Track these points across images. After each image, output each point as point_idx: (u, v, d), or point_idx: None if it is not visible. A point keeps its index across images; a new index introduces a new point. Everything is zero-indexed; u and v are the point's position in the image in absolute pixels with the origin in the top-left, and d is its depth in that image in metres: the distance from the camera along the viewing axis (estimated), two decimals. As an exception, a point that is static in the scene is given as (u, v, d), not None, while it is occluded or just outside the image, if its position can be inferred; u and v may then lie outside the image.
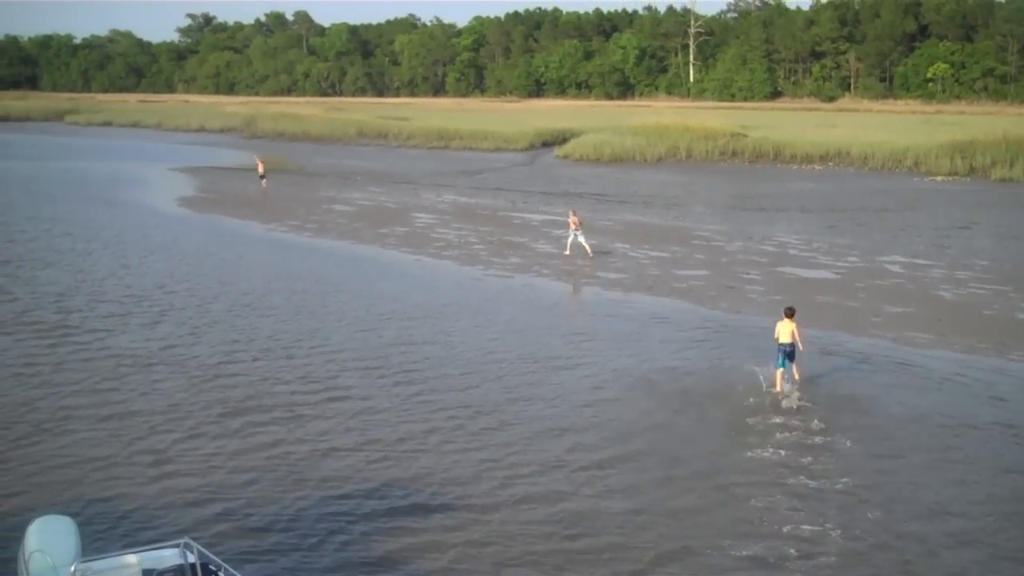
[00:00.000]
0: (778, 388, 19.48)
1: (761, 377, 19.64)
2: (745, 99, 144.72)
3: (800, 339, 19.59)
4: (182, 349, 22.21)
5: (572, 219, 35.35)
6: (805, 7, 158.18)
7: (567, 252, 35.03)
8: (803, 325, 20.39)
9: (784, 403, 18.73)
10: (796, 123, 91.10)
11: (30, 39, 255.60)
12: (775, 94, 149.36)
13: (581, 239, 34.88)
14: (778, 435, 17.18)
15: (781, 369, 19.56)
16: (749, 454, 16.29)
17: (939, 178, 60.74)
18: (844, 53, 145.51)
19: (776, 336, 19.79)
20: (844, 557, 12.85)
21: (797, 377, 19.77)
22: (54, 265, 32.14)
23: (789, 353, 19.53)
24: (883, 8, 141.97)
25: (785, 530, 13.53)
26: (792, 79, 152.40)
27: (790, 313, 19.93)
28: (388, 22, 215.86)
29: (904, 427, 17.53)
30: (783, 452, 16.39)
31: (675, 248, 36.47)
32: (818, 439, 16.99)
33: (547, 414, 18.09)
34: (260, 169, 56.45)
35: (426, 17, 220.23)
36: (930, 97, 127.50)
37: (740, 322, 25.18)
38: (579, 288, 29.83)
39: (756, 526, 13.67)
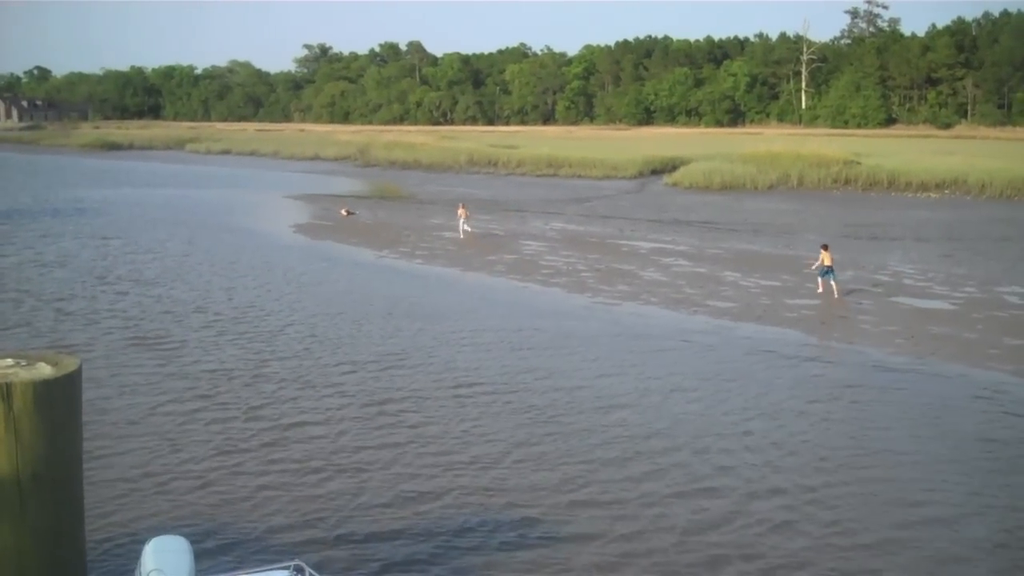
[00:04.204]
0: (820, 289, 32.41)
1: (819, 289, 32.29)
2: (858, 126, 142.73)
3: (830, 261, 32.10)
4: (295, 363, 22.61)
5: (461, 210, 47.31)
6: (921, 33, 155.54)
7: (461, 236, 46.21)
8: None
9: (830, 298, 31.74)
10: (911, 150, 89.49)
11: (154, 70, 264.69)
12: (889, 121, 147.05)
13: (464, 225, 46.69)
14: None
15: (823, 278, 32.29)
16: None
17: (1061, 207, 59.16)
18: (961, 79, 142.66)
19: (821, 261, 32.21)
20: None
21: (836, 289, 32.03)
22: (183, 282, 33.06)
23: (829, 271, 32.04)
24: (1002, 34, 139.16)
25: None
26: (907, 106, 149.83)
27: (826, 247, 32.70)
28: (499, 51, 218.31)
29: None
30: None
31: (786, 277, 36.11)
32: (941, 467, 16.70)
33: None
34: (345, 212, 56.68)
35: (537, 46, 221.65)
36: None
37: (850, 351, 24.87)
38: (690, 315, 29.67)
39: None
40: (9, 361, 9.55)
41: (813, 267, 33.24)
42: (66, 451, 9.46)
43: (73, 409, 9.53)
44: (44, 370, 9.34)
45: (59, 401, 9.22)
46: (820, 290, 32.53)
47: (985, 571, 13.21)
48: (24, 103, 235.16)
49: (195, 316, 28.42)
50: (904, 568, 13.17)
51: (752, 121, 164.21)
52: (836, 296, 31.73)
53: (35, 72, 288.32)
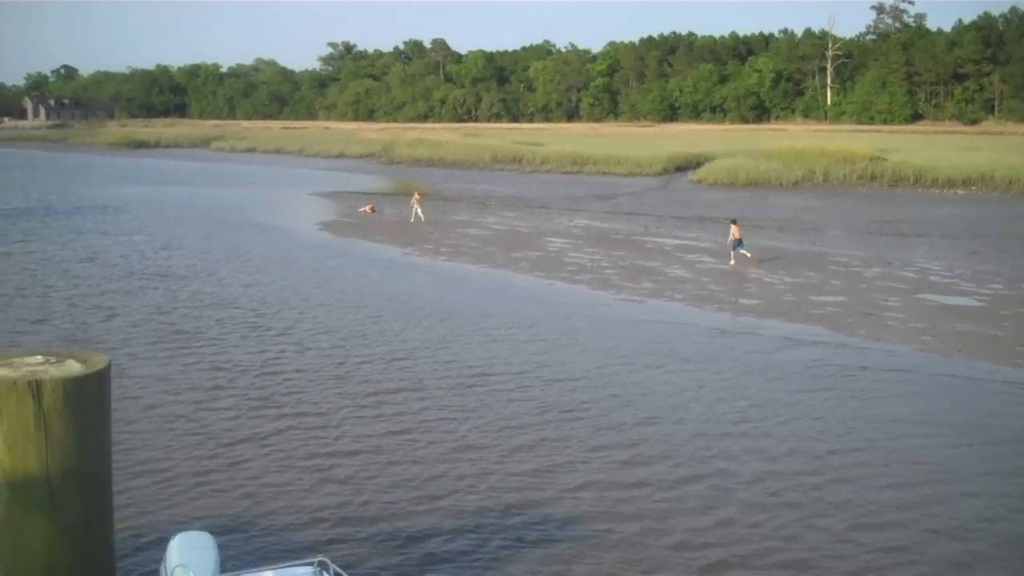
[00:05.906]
0: (733, 262, 36.99)
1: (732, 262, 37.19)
2: (884, 122, 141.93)
3: (739, 234, 37.57)
4: (321, 359, 22.69)
5: (416, 196, 52.95)
6: (947, 28, 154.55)
7: (413, 220, 50.98)
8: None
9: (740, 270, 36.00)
10: (937, 146, 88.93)
11: (180, 68, 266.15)
12: (915, 117, 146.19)
13: (417, 209, 51.63)
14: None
15: (735, 251, 37.23)
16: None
17: (1090, 203, 58.69)
18: (988, 75, 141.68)
19: (731, 235, 37.45)
20: None
21: (749, 255, 37.33)
22: (205, 278, 33.24)
23: (739, 242, 37.31)
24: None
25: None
26: (933, 102, 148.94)
27: (734, 221, 38.35)
28: (524, 48, 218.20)
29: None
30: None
31: (811, 274, 35.96)
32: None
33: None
34: (368, 209, 56.67)
35: (561, 43, 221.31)
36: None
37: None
38: (715, 312, 29.59)
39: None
40: (39, 358, 9.62)
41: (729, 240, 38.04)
42: (95, 448, 9.52)
43: (102, 406, 9.60)
44: (73, 367, 9.41)
45: (88, 398, 9.28)
46: (732, 263, 37.07)
47: (1011, 571, 13.15)
48: (51, 102, 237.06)
49: (214, 311, 28.58)
50: (923, 563, 13.13)
51: (777, 117, 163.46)
52: (750, 257, 37.23)
53: (62, 71, 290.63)
